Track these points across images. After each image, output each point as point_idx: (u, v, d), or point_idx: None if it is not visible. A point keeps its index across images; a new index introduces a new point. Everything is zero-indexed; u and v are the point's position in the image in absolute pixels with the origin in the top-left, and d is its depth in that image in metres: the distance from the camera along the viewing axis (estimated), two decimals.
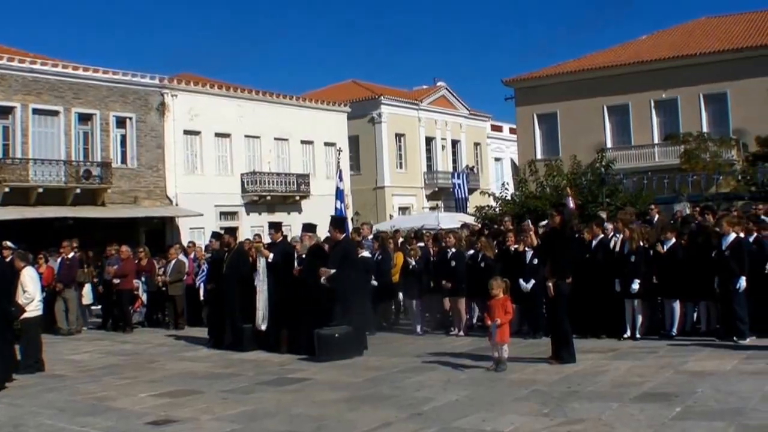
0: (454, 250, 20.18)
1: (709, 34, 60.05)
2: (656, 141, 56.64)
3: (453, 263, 19.89)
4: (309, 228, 19.32)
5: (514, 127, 67.41)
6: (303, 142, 58.32)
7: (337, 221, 19.18)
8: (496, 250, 19.86)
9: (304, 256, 18.52)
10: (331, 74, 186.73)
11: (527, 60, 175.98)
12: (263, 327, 18.68)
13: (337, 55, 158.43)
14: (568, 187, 27.06)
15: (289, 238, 21.64)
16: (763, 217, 19.55)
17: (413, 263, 20.73)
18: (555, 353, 14.73)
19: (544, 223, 20.71)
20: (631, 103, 57.27)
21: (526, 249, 18.42)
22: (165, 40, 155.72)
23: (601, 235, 18.37)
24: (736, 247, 15.92)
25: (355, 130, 64.74)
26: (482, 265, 19.39)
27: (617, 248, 17.95)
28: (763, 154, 37.33)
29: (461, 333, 19.67)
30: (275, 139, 56.14)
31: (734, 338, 15.62)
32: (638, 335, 17.23)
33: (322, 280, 17.05)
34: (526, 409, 11.24)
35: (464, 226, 28.92)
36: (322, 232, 20.88)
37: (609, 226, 18.87)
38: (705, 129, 52.89)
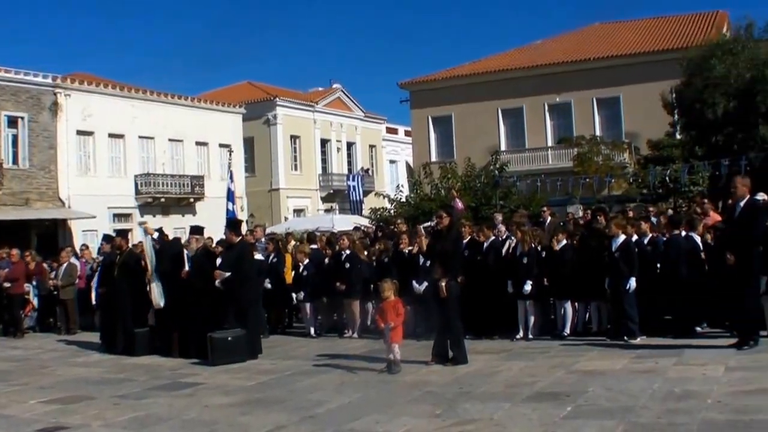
0: (348, 252, 20.18)
1: (602, 39, 61.13)
2: (550, 144, 57.52)
3: (347, 265, 19.89)
4: (196, 230, 19.15)
5: (410, 129, 67.64)
6: (197, 143, 57.93)
7: (233, 223, 19.04)
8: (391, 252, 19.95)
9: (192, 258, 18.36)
10: (226, 75, 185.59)
11: (423, 63, 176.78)
12: (161, 303, 18.50)
13: (232, 56, 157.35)
14: (454, 189, 27.32)
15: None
16: (653, 218, 19.90)
17: (302, 266, 20.65)
18: (438, 354, 14.79)
19: (427, 224, 20.87)
20: (526, 107, 57.99)
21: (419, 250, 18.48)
22: (59, 38, 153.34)
23: (493, 237, 18.53)
24: (625, 248, 16.15)
25: (250, 132, 64.49)
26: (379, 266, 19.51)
27: (509, 250, 18.13)
28: (655, 157, 37.93)
29: (355, 335, 19.70)
30: (169, 140, 55.66)
31: (625, 338, 15.85)
32: (531, 336, 17.41)
33: (217, 282, 16.91)
34: (418, 410, 11.22)
35: (357, 228, 28.96)
36: (219, 234, 20.73)
37: (501, 228, 19.06)
38: (598, 132, 53.79)
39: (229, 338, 16.41)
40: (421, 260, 18.19)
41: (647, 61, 53.53)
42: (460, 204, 20.18)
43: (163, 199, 53.03)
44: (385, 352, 14.36)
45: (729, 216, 15.11)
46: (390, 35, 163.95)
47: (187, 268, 18.22)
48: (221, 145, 58.40)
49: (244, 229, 22.03)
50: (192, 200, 54.96)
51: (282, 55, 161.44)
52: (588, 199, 36.82)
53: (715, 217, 18.91)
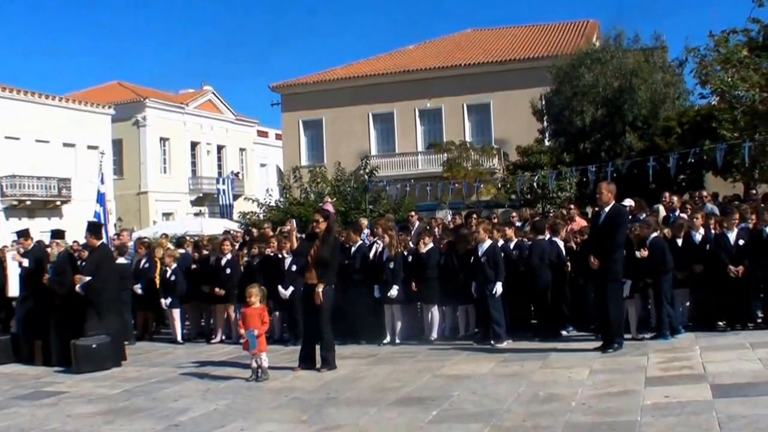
0: (230, 256, 19.94)
1: (474, 46, 61.71)
2: (420, 149, 57.73)
3: (228, 271, 19.65)
4: (57, 234, 18.76)
5: (281, 133, 67.35)
6: (65, 144, 56.85)
7: (93, 227, 18.57)
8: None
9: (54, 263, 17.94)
10: (95, 75, 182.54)
11: (295, 66, 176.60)
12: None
13: (102, 56, 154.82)
14: (328, 195, 27.31)
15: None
16: (518, 223, 20.10)
17: (170, 270, 20.38)
18: (305, 360, 14.72)
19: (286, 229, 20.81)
20: (396, 112, 58.19)
21: (285, 255, 18.37)
22: None
23: (360, 242, 18.50)
24: (491, 253, 16.24)
25: (119, 133, 63.67)
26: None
27: (376, 254, 18.13)
28: (523, 164, 38.35)
29: (224, 340, 19.52)
30: (36, 140, 54.41)
31: (491, 342, 15.90)
32: (398, 340, 17.39)
33: (77, 288, 16.54)
34: (284, 416, 11.16)
35: (226, 232, 28.73)
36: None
37: (368, 232, 19.06)
38: (468, 138, 54.28)
39: (94, 345, 16.00)
40: (287, 264, 18.13)
41: (518, 68, 54.24)
42: (331, 208, 20.09)
43: (28, 202, 52.04)
44: (250, 360, 14.19)
45: (594, 221, 15.32)
46: (262, 38, 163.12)
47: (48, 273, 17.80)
48: (89, 147, 57.34)
49: (112, 232, 21.63)
50: (59, 203, 54.05)
51: (153, 55, 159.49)
52: (457, 204, 37.04)
53: (581, 222, 19.19)
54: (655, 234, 15.96)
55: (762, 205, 19.28)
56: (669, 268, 15.57)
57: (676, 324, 15.50)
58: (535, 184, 32.96)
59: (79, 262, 18.45)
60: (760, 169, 26.89)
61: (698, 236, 16.33)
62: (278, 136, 73.54)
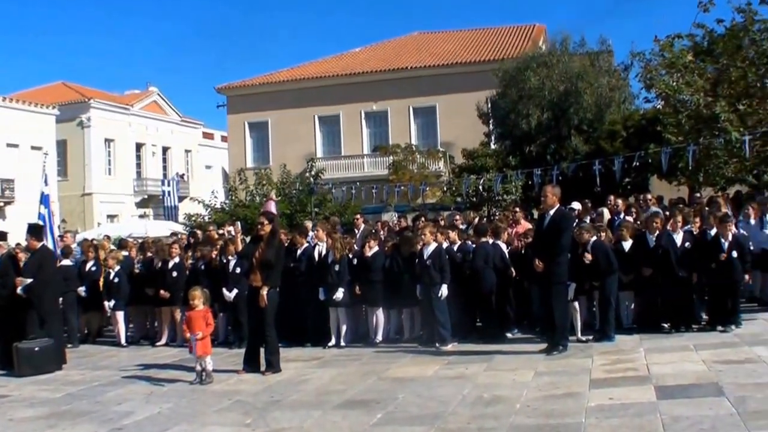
0: (178, 259, 19.78)
1: (420, 49, 61.85)
2: (366, 152, 57.77)
3: (174, 274, 19.51)
4: (0, 236, 18.51)
5: (226, 134, 67.11)
6: (8, 145, 56.28)
7: (34, 229, 18.28)
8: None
9: None
10: (39, 75, 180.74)
11: (241, 68, 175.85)
12: None
13: (47, 56, 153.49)
14: (272, 192, 27.21)
15: None
16: (462, 226, 20.11)
17: (113, 273, 20.18)
18: (249, 362, 14.65)
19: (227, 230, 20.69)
20: (342, 114, 58.20)
21: (230, 258, 18.29)
22: None
23: (306, 244, 18.42)
24: (437, 256, 16.22)
25: (63, 134, 63.12)
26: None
27: (320, 257, 18.06)
28: (469, 167, 38.42)
29: (169, 343, 19.38)
30: None
31: (436, 344, 15.89)
32: (343, 343, 17.30)
33: (19, 290, 16.33)
34: (228, 419, 11.10)
35: (174, 234, 28.59)
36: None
37: (313, 234, 18.98)
38: (414, 141, 54.41)
39: (36, 348, 15.81)
40: (231, 267, 18.04)
41: (464, 71, 54.57)
42: (273, 207, 19.99)
43: None
44: (195, 363, 14.08)
45: (538, 224, 15.36)
46: (209, 39, 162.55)
47: None
48: (33, 147, 56.70)
49: (57, 234, 21.38)
50: (2, 204, 53.52)
51: (98, 56, 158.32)
52: (402, 207, 37.14)
53: (525, 225, 19.24)
54: (595, 237, 16.04)
55: (707, 208, 19.46)
56: (614, 270, 15.67)
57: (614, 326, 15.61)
58: (480, 187, 33.02)
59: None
60: (704, 173, 27.11)
61: (653, 239, 16.36)
62: (224, 138, 73.30)
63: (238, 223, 16.99)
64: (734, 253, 15.58)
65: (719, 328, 15.39)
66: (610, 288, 15.61)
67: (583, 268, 15.62)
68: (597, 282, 15.70)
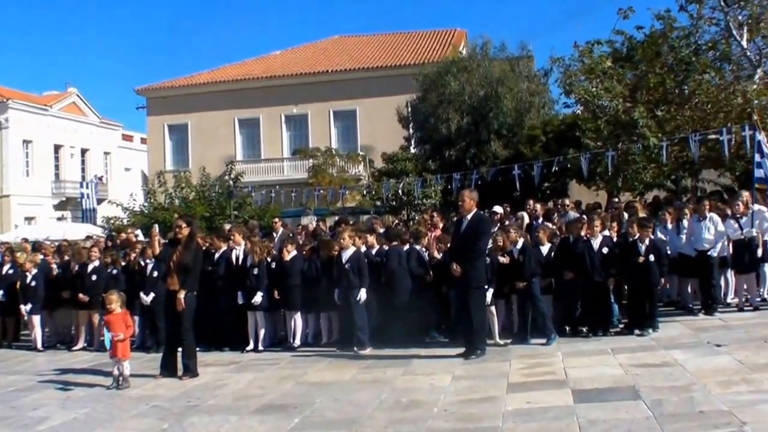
0: (97, 263, 19.50)
1: (341, 52, 61.90)
2: (286, 155, 57.58)
3: (94, 277, 19.22)
4: None
5: (146, 137, 66.55)
6: None
7: None
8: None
9: None
10: None
11: (161, 70, 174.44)
12: None
13: None
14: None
15: None
16: (381, 229, 20.10)
17: (30, 276, 19.87)
18: (167, 367, 14.52)
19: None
20: (263, 117, 58.00)
21: (148, 261, 18.12)
22: None
23: (224, 248, 18.30)
24: (355, 259, 16.20)
25: None
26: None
27: (238, 260, 17.97)
28: (389, 171, 38.44)
29: (86, 347, 19.12)
30: None
31: (354, 348, 15.88)
32: (261, 347, 17.23)
33: None
34: (145, 425, 11.00)
35: (89, 237, 28.27)
36: None
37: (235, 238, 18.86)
38: (334, 144, 54.39)
39: None
40: (149, 270, 17.88)
41: (384, 75, 54.78)
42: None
43: None
44: (112, 367, 13.91)
45: (456, 228, 15.38)
46: (129, 40, 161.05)
47: None
48: None
49: None
50: None
51: (16, 55, 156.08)
52: (322, 211, 37.06)
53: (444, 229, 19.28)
54: (523, 240, 16.15)
55: (625, 213, 19.66)
56: (538, 273, 15.77)
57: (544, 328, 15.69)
58: (400, 191, 33.04)
59: None
60: (623, 178, 27.35)
61: (596, 243, 16.44)
62: (143, 140, 72.64)
63: (156, 226, 16.81)
64: (651, 257, 15.76)
65: (637, 332, 15.58)
66: (538, 290, 15.70)
67: (509, 271, 15.72)
68: (523, 284, 15.73)
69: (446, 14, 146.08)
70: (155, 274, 17.62)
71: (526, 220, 20.21)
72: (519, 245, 15.90)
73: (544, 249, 16.54)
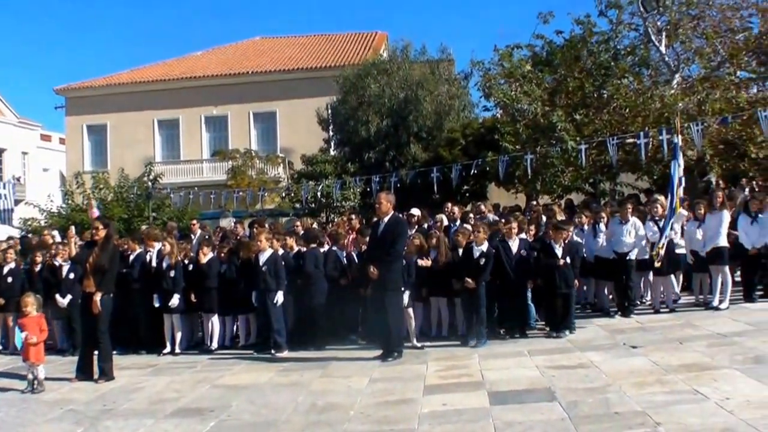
0: (13, 265, 19.18)
1: (262, 53, 61.71)
2: (205, 156, 57.21)
3: (9, 279, 18.90)
4: None
5: (64, 137, 65.78)
6: None
7: None
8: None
9: None
10: None
11: (81, 68, 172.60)
12: None
13: None
14: (92, 199, 26.80)
15: None
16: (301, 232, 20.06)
17: None
18: (82, 370, 14.34)
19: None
20: (182, 118, 57.58)
21: (64, 263, 17.89)
22: None
23: (140, 250, 18.13)
24: (272, 262, 16.14)
25: None
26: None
27: (151, 262, 17.83)
28: (308, 173, 38.38)
29: (2, 351, 18.81)
30: None
31: (272, 351, 15.83)
32: (178, 350, 17.11)
33: None
34: (59, 429, 10.89)
35: (10, 238, 27.90)
36: None
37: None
38: (254, 146, 54.20)
39: None
40: (65, 272, 17.67)
41: (305, 77, 54.64)
42: (95, 212, 19.71)
43: None
44: (27, 371, 13.72)
45: (373, 231, 15.38)
46: (48, 39, 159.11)
47: None
48: None
49: None
50: None
51: None
52: (241, 213, 36.89)
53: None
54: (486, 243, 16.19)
55: (544, 216, 19.80)
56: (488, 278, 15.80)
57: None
58: (319, 194, 33.05)
59: None
60: (541, 181, 27.58)
61: (514, 246, 16.48)
62: (62, 141, 71.77)
63: (72, 227, 16.62)
64: (567, 260, 15.90)
65: (553, 333, 15.70)
66: (484, 293, 15.71)
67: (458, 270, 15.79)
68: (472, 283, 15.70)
69: (368, 17, 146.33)
70: (71, 276, 17.42)
71: (445, 222, 20.26)
72: (484, 247, 15.87)
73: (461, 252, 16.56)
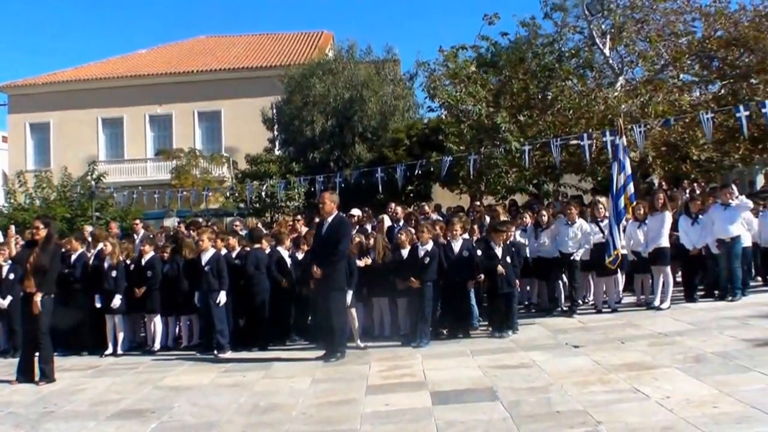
0: None
1: (207, 52, 61.39)
2: (150, 155, 56.81)
3: None
4: None
5: (6, 135, 65.12)
6: None
7: None
8: None
9: None
10: None
11: (24, 66, 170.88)
12: None
13: None
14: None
15: None
16: (243, 232, 19.99)
17: None
18: (23, 372, 14.20)
19: None
20: (126, 117, 57.12)
21: (3, 263, 17.71)
22: None
23: (82, 250, 17.99)
24: (215, 262, 16.10)
25: None
26: None
27: (91, 262, 17.71)
28: (252, 172, 38.25)
29: None
30: None
31: (215, 352, 15.76)
32: (120, 351, 16.99)
33: None
34: None
35: None
36: None
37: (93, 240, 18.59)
38: (199, 145, 53.80)
39: None
40: (5, 272, 17.51)
41: (250, 76, 54.50)
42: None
43: None
44: None
45: (317, 231, 15.38)
46: None
47: None
48: None
49: None
50: None
51: None
52: (185, 212, 36.74)
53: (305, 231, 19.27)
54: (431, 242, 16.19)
55: (486, 216, 19.88)
56: (434, 278, 15.81)
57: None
58: (263, 193, 32.96)
59: None
60: (486, 182, 27.70)
61: (457, 246, 16.51)
62: (4, 139, 71.03)
63: (12, 227, 16.47)
64: (508, 259, 15.98)
65: (496, 333, 15.76)
66: (430, 294, 15.72)
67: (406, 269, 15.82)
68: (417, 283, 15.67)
69: (314, 17, 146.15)
70: (11, 276, 17.26)
71: (387, 222, 20.27)
72: (429, 247, 15.91)
73: (405, 252, 16.53)
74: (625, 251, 18.06)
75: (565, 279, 18.22)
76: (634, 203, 17.86)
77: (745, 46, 25.42)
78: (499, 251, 15.98)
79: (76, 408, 12.01)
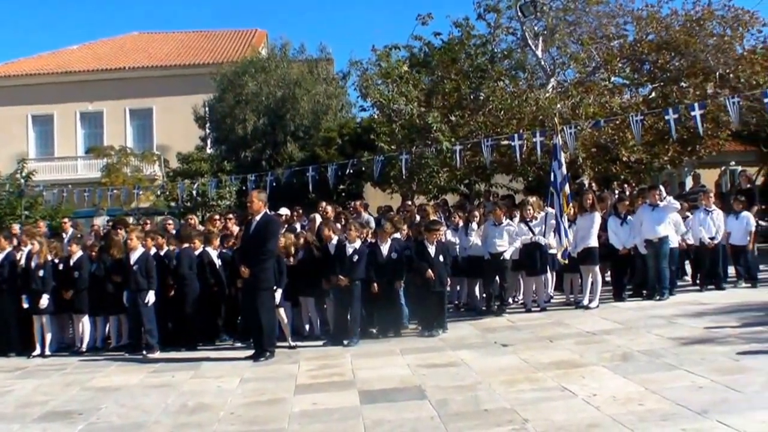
0: None
1: (139, 49, 60.84)
2: (80, 153, 56.19)
3: None
4: None
5: None
6: None
7: None
8: None
9: None
10: None
11: None
12: None
13: None
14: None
15: None
16: (173, 230, 19.91)
17: None
18: None
19: None
20: (56, 114, 56.39)
21: None
22: None
23: (9, 249, 17.76)
24: (144, 261, 15.98)
25: None
26: None
27: (20, 261, 17.51)
28: (184, 171, 37.98)
29: None
30: None
31: (144, 352, 15.66)
32: (48, 352, 16.80)
33: None
34: None
35: None
36: None
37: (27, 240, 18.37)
38: (130, 143, 53.22)
39: None
40: None
41: (182, 74, 54.06)
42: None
43: None
44: None
45: (246, 230, 15.34)
46: None
47: None
48: None
49: None
50: None
51: None
52: (115, 211, 36.39)
53: (235, 230, 19.19)
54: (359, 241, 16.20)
55: (417, 215, 19.93)
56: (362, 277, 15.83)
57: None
58: (194, 192, 32.75)
59: None
60: (417, 181, 27.75)
61: (385, 249, 16.51)
62: None
63: None
64: (441, 258, 16.04)
65: (426, 332, 15.82)
66: (359, 293, 15.81)
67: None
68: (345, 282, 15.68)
69: (247, 14, 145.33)
70: None
71: (318, 221, 20.25)
72: (357, 245, 15.93)
73: (331, 247, 16.52)
74: (554, 251, 18.21)
75: (496, 279, 18.31)
76: (571, 203, 18.03)
77: (676, 50, 25.67)
78: (432, 250, 16.04)
79: (2, 410, 11.88)
